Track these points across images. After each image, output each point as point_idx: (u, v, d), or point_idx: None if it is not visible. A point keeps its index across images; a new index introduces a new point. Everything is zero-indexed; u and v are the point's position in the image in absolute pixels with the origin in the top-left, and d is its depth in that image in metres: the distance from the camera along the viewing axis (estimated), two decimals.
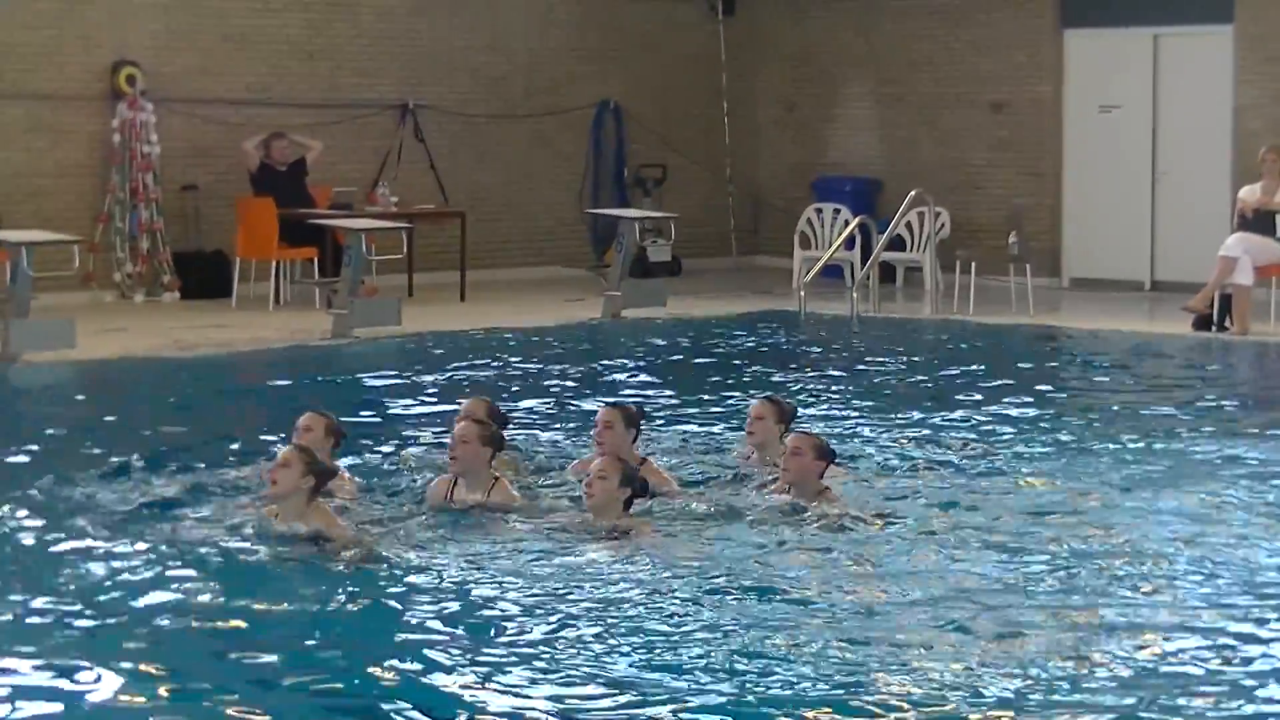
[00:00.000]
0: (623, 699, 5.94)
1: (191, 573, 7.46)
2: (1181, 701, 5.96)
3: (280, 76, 18.62)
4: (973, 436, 10.73)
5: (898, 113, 21.08)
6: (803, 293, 17.23)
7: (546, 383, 13.01)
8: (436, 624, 6.83)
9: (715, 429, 10.92)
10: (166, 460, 9.62)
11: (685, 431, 10.83)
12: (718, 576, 7.40)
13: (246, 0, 18.35)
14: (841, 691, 6.00)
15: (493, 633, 6.69)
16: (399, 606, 7.05)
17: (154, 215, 17.54)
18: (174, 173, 17.77)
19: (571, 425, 10.93)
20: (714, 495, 8.89)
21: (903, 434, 10.81)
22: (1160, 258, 19.50)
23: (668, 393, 12.41)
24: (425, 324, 15.68)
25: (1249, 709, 5.94)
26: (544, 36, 20.58)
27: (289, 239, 17.38)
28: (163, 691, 6.05)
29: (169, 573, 7.44)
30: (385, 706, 5.88)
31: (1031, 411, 11.75)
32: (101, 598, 7.10)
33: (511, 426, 9.87)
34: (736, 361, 14.30)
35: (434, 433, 10.43)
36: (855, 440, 10.61)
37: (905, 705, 5.87)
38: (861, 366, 14.10)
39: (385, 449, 10.16)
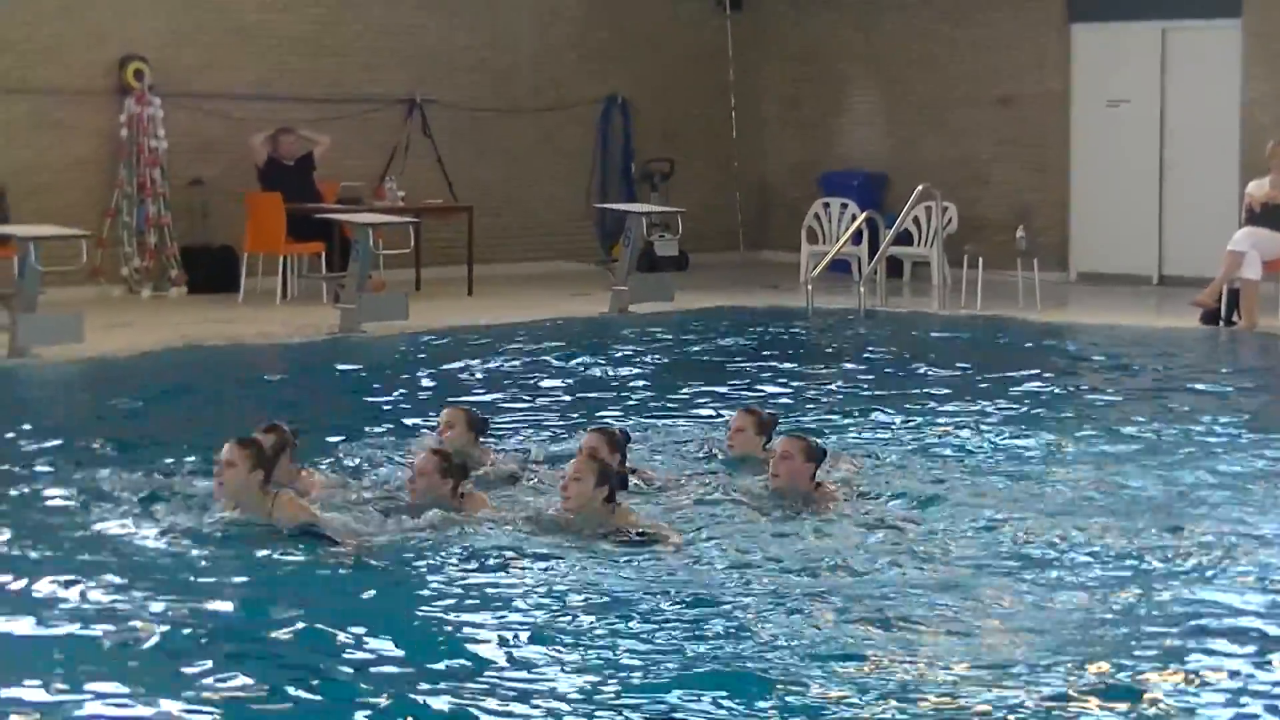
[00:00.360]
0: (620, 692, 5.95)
1: (194, 562, 7.47)
2: (1189, 700, 5.95)
3: (287, 71, 18.62)
4: (979, 430, 10.72)
5: (905, 108, 21.05)
6: (810, 287, 17.20)
7: (552, 377, 13.00)
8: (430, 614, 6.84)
9: (719, 424, 10.89)
10: (172, 454, 9.62)
11: (688, 427, 10.82)
12: (710, 572, 7.39)
13: None
14: (843, 686, 6.00)
15: (487, 632, 6.69)
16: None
17: (161, 210, 17.55)
18: (181, 167, 17.77)
19: (574, 421, 10.92)
20: (707, 491, 8.85)
21: (909, 428, 10.80)
22: (1168, 252, 19.47)
23: (673, 387, 12.40)
24: (432, 319, 15.69)
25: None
26: (551, 31, 20.58)
27: (296, 234, 17.39)
28: (170, 681, 6.07)
29: (171, 564, 7.45)
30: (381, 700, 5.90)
31: (1038, 406, 11.74)
32: (105, 588, 7.10)
33: (512, 422, 9.85)
34: (743, 356, 14.29)
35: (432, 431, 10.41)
36: (861, 434, 10.60)
37: (909, 700, 5.86)
38: (868, 361, 14.09)
39: (390, 440, 10.17)
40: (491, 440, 9.82)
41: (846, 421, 10.93)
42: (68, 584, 7.12)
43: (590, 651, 6.38)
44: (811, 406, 11.64)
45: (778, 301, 17.68)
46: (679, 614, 6.80)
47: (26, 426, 10.66)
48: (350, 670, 6.19)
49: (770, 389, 12.45)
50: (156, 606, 6.83)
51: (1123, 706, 5.81)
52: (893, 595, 7.04)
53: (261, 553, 7.61)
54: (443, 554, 7.63)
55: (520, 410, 11.47)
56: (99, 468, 9.30)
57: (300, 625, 6.63)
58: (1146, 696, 5.91)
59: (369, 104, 19.13)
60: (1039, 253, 17.96)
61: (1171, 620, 6.79)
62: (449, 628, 6.69)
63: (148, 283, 17.53)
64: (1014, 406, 11.67)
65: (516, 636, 6.53)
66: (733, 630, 6.61)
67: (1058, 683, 6.03)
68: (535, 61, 20.45)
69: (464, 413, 9.61)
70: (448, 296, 17.59)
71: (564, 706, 5.76)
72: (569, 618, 6.76)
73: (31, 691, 5.88)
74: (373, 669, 6.19)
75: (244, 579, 7.32)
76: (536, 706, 5.79)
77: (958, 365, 13.71)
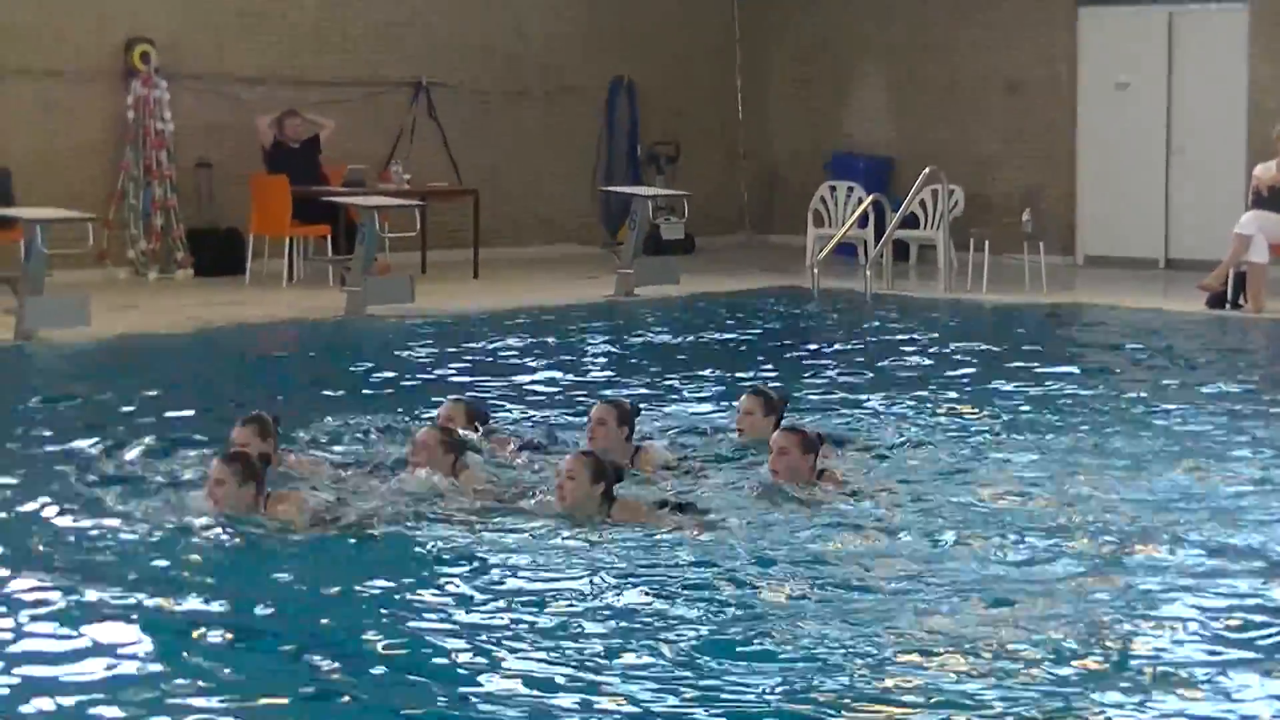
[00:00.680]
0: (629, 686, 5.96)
1: (200, 548, 7.49)
2: (1200, 695, 5.94)
3: (294, 54, 18.62)
4: (985, 414, 10.71)
5: (912, 90, 21.04)
6: (816, 270, 17.21)
7: (558, 360, 13.00)
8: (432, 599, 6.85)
9: (725, 408, 10.89)
10: (178, 437, 9.63)
11: (695, 410, 10.82)
12: (711, 563, 7.38)
13: None
14: (845, 684, 5.99)
15: (493, 611, 6.69)
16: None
17: (168, 192, 17.57)
18: (188, 150, 17.78)
19: (579, 405, 10.91)
20: (713, 478, 8.82)
21: (915, 412, 10.80)
22: (1175, 235, 19.47)
23: (680, 370, 12.40)
24: (438, 302, 15.70)
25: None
26: (557, 14, 20.57)
27: (302, 216, 17.41)
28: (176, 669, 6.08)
29: (175, 550, 7.46)
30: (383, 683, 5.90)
31: (1044, 390, 11.73)
32: (110, 573, 7.11)
33: (517, 406, 9.82)
34: (749, 339, 14.29)
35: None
36: (867, 418, 10.60)
37: (912, 697, 5.86)
38: (874, 344, 14.09)
39: (393, 421, 10.17)
40: (508, 429, 9.78)
41: (851, 406, 10.92)
42: (66, 574, 7.12)
43: (592, 643, 6.38)
44: (816, 390, 11.64)
45: (784, 284, 17.67)
46: (681, 606, 6.80)
47: (34, 406, 10.68)
48: (350, 670, 6.18)
49: (775, 372, 12.44)
50: (149, 601, 6.83)
51: (1131, 701, 5.80)
52: (894, 586, 7.04)
53: (259, 548, 7.61)
54: (441, 545, 7.62)
55: (525, 393, 11.47)
56: (106, 451, 9.30)
57: (300, 623, 6.63)
58: (1153, 690, 5.90)
59: (375, 87, 19.13)
60: (1045, 236, 17.96)
61: (1175, 609, 6.79)
62: (448, 624, 6.69)
63: (154, 265, 17.55)
64: (1018, 390, 11.67)
65: (517, 636, 6.51)
66: (736, 623, 6.60)
67: (1066, 671, 6.03)
68: (541, 44, 20.44)
69: (463, 405, 9.57)
70: (453, 280, 17.61)
71: (564, 706, 5.76)
72: (569, 616, 6.73)
73: (32, 693, 5.87)
74: (372, 669, 6.17)
75: (239, 575, 7.31)
76: (536, 703, 5.79)
77: (963, 349, 13.70)
